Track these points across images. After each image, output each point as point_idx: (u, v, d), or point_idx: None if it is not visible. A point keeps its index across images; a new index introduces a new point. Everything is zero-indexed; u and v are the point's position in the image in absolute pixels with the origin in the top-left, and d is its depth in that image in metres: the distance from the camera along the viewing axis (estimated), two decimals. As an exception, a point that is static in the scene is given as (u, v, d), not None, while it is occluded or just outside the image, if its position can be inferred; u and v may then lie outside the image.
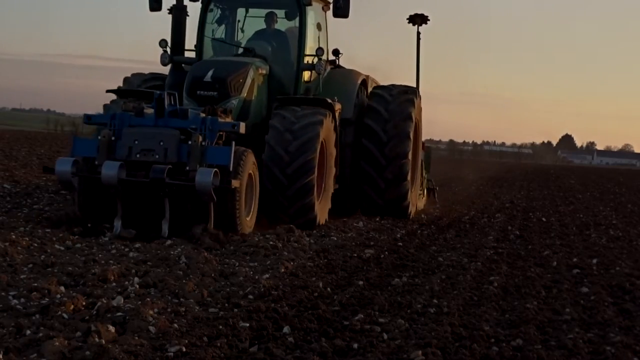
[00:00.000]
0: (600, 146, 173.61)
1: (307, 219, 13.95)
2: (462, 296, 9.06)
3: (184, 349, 6.17)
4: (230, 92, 14.17)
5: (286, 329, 7.05)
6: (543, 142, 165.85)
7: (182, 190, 11.80)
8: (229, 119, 13.10)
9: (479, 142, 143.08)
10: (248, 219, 12.86)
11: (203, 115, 12.50)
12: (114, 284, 8.48)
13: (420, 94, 19.10)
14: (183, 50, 15.58)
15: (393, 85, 17.76)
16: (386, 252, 12.51)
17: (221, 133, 12.44)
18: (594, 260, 12.57)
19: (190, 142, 11.88)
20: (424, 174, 20.36)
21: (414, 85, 20.18)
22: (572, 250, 13.86)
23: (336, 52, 17.73)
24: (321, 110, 14.54)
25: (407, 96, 17.31)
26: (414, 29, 20.52)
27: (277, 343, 6.62)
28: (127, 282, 8.52)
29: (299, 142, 13.82)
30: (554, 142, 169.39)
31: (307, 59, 15.65)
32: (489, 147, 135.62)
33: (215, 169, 11.62)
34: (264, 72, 15.11)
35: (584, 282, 10.58)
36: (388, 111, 16.85)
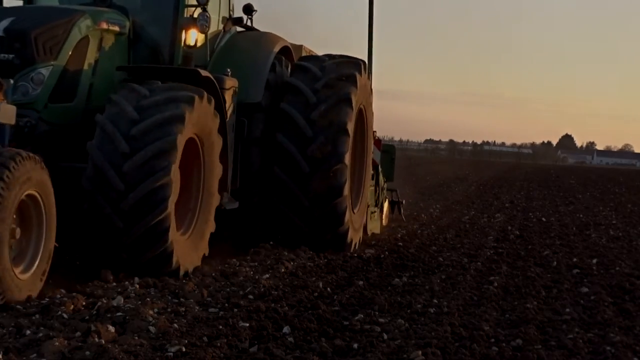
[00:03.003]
0: (600, 146, 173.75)
1: (164, 270, 8.94)
2: (462, 296, 9.06)
3: (184, 349, 6.17)
4: (37, 55, 9.07)
5: (286, 329, 7.05)
6: (543, 142, 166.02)
7: None
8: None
9: (479, 142, 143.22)
10: (24, 276, 7.48)
11: None
12: (114, 284, 8.47)
13: (372, 68, 14.93)
14: None
15: (328, 56, 12.63)
16: (386, 252, 12.52)
17: None
18: (594, 260, 12.58)
19: None
20: (381, 182, 15.40)
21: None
22: (572, 250, 13.88)
23: (248, 9, 12.41)
24: (186, 92, 9.21)
25: (345, 71, 12.13)
26: None
27: (277, 343, 6.62)
28: (127, 282, 8.52)
29: (139, 157, 8.63)
30: (554, 142, 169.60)
31: (190, 13, 10.59)
32: (489, 147, 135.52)
33: None
34: (116, 29, 9.98)
35: (584, 282, 10.59)
36: (316, 92, 11.74)
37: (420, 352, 6.41)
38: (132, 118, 8.78)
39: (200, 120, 9.34)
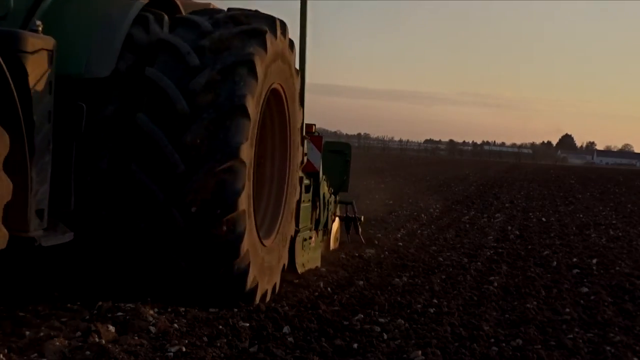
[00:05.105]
0: (600, 146, 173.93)
1: None
2: (462, 296, 9.08)
3: (184, 349, 6.17)
4: None
5: (286, 329, 7.05)
6: (543, 142, 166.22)
7: None
8: None
9: (479, 142, 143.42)
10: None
11: None
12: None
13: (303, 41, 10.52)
14: None
15: (211, 18, 8.05)
16: (386, 252, 12.52)
17: None
18: (594, 260, 12.59)
19: None
20: (324, 194, 11.33)
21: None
22: (572, 250, 13.89)
23: None
24: None
25: (241, 47, 7.68)
26: None
27: (277, 343, 6.62)
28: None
29: None
30: (554, 142, 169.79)
31: None
32: (489, 147, 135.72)
33: None
34: None
35: (584, 282, 10.60)
36: (189, 96, 7.39)
37: (420, 352, 6.42)
38: None
39: None
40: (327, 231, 11.78)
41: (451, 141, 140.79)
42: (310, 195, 10.66)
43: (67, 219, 7.02)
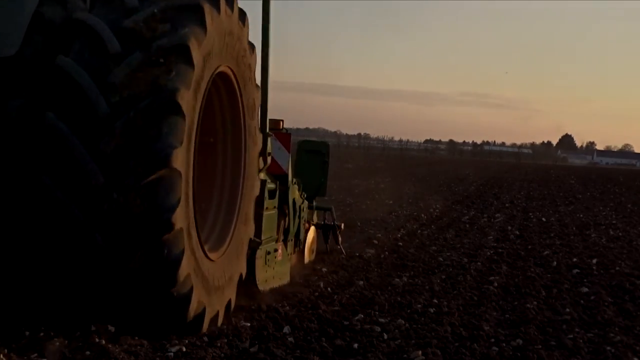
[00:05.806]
0: (600, 146, 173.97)
1: None
2: (462, 296, 9.07)
3: (184, 349, 6.17)
4: None
5: (286, 329, 7.06)
6: (543, 142, 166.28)
7: None
8: None
9: (479, 142, 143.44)
10: None
11: None
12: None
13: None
14: None
15: None
16: (386, 252, 12.52)
17: None
18: (594, 260, 12.59)
19: None
20: (294, 200, 10.00)
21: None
22: (572, 250, 13.89)
23: None
24: None
25: (173, 28, 6.35)
26: None
27: (277, 343, 6.62)
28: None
29: None
30: (554, 142, 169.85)
31: None
32: (489, 147, 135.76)
33: None
34: None
35: (584, 282, 10.60)
36: (109, 90, 6.09)
37: (420, 352, 6.43)
38: None
39: None
40: (299, 242, 10.34)
41: (451, 141, 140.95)
42: (276, 201, 9.20)
43: None
